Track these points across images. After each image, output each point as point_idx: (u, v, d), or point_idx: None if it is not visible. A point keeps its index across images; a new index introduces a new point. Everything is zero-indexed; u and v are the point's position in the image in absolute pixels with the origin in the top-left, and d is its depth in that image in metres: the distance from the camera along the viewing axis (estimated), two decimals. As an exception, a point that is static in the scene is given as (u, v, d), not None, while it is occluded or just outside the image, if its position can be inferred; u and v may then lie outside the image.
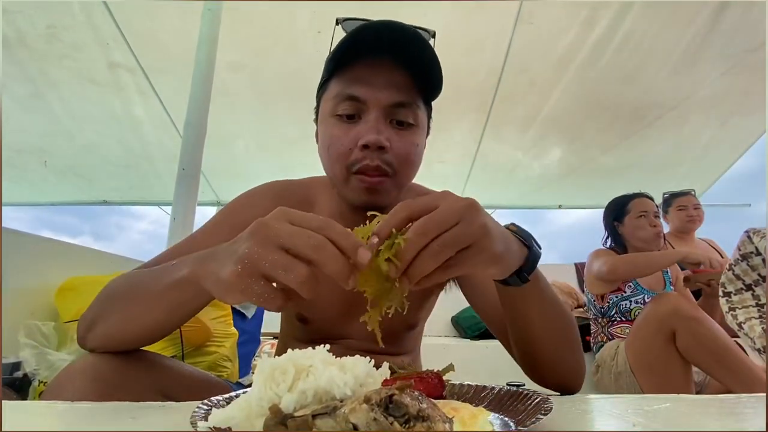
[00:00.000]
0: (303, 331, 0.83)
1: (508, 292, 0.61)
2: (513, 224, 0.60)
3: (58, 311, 1.56)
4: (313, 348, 0.40)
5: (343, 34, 0.74)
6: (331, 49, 0.74)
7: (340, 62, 0.73)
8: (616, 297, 2.01)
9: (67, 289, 1.56)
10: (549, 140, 3.73)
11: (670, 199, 2.61)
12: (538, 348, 0.67)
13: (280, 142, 3.62)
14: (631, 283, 2.01)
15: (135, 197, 4.29)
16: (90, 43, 2.74)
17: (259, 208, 0.77)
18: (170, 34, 2.73)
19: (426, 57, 0.71)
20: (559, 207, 4.62)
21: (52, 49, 2.74)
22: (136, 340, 0.61)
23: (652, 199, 2.17)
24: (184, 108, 2.22)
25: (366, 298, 0.76)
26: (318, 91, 0.81)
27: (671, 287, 2.08)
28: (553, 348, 0.66)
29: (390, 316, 0.48)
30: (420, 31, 0.76)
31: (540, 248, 0.59)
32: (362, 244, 0.43)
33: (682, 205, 2.56)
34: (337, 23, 0.77)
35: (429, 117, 0.80)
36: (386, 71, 0.71)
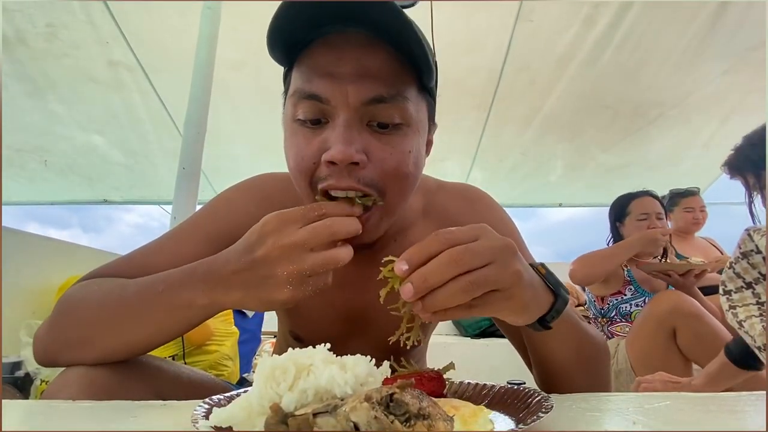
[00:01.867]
0: (298, 347, 0.79)
1: (529, 332, 0.56)
2: (543, 266, 0.53)
3: (58, 310, 1.56)
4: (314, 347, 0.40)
5: None
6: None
7: (290, 48, 0.55)
8: (616, 300, 1.99)
9: (67, 288, 1.56)
10: (549, 138, 3.72)
11: (677, 198, 2.52)
12: (559, 382, 0.61)
13: (281, 140, 3.60)
14: (631, 286, 1.99)
15: (135, 196, 4.29)
16: (90, 42, 2.74)
17: (241, 216, 0.70)
18: (170, 33, 2.72)
19: (406, 27, 0.51)
20: (560, 205, 4.62)
21: (52, 47, 2.73)
22: (132, 356, 0.58)
23: (657, 197, 2.09)
24: (184, 106, 2.22)
25: (365, 318, 0.73)
26: (284, 83, 0.64)
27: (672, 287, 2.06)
28: (576, 385, 0.60)
29: (408, 347, 0.48)
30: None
31: (568, 294, 0.53)
32: (348, 210, 0.52)
33: (689, 206, 2.46)
34: None
35: (431, 107, 0.63)
36: (356, 52, 0.53)
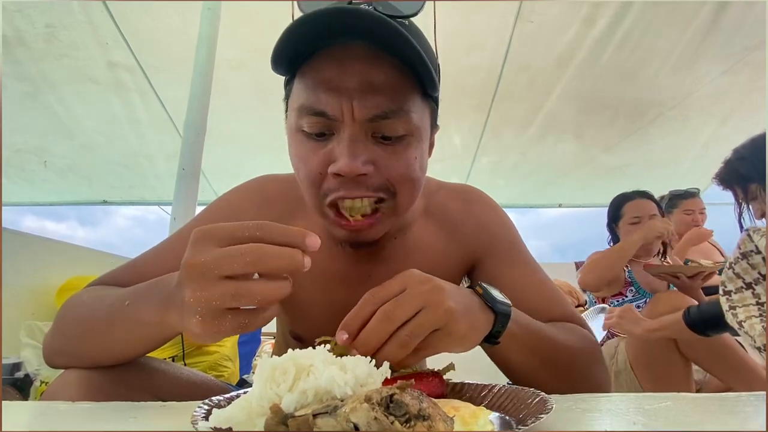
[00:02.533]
0: (299, 348, 0.78)
1: (486, 349, 0.58)
2: (480, 286, 0.55)
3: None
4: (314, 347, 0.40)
5: None
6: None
7: (293, 60, 0.56)
8: (618, 301, 1.98)
9: (67, 289, 1.56)
10: (549, 138, 3.73)
11: (676, 199, 2.50)
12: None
13: (281, 141, 3.57)
14: (632, 287, 1.98)
15: (135, 197, 4.29)
16: (89, 43, 2.74)
17: (241, 218, 0.67)
18: (170, 33, 2.72)
19: (406, 40, 0.51)
20: (560, 205, 4.62)
21: (51, 48, 2.73)
22: (117, 363, 0.57)
23: (651, 197, 2.06)
24: (184, 107, 2.22)
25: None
26: (285, 90, 0.65)
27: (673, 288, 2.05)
28: (547, 389, 0.61)
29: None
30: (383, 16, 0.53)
31: (509, 306, 0.54)
32: (305, 232, 0.41)
33: (689, 209, 2.45)
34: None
35: (434, 112, 0.64)
36: (361, 66, 0.53)
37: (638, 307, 1.95)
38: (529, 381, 0.59)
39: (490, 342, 0.54)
